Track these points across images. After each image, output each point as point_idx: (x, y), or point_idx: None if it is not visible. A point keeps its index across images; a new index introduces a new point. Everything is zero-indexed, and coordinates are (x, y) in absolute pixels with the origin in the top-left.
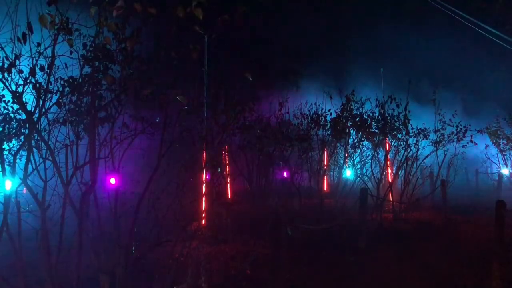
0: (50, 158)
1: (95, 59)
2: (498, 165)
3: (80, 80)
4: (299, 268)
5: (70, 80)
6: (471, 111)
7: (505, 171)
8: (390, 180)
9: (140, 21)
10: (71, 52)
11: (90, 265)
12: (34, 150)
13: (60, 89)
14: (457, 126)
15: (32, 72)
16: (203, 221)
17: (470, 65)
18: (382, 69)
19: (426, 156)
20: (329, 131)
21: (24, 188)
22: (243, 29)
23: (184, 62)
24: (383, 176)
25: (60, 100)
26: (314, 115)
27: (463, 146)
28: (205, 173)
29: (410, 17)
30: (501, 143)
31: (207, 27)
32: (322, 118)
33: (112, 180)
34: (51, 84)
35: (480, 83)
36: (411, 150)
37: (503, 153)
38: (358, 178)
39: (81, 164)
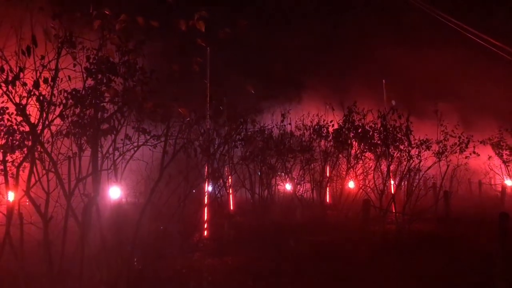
0: (53, 170)
1: (98, 72)
2: (501, 176)
3: (83, 93)
4: (302, 280)
5: (73, 92)
6: (473, 123)
7: (508, 182)
8: (392, 192)
9: (142, 34)
10: (74, 65)
11: (92, 277)
12: (37, 161)
13: (64, 101)
14: (459, 137)
15: (36, 85)
16: (205, 233)
17: (471, 77)
18: (384, 81)
19: (429, 167)
20: (331, 142)
21: (27, 200)
22: (245, 41)
23: (186, 74)
24: (385, 188)
25: (63, 113)
26: (316, 126)
27: (466, 157)
28: (207, 185)
29: (411, 29)
30: (504, 154)
31: (209, 39)
32: (324, 129)
33: (115, 192)
34: (54, 97)
35: (481, 94)
36: (413, 161)
37: (506, 164)
38: (361, 190)
39: (83, 176)
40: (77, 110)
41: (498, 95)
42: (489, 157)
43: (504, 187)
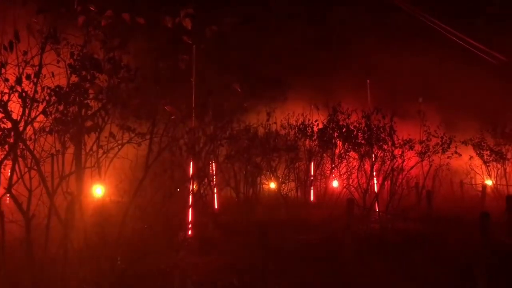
0: (35, 167)
1: (82, 68)
2: (482, 176)
3: (67, 89)
4: (287, 279)
5: (57, 89)
6: (455, 124)
7: (488, 182)
8: (376, 191)
9: (128, 31)
10: (58, 61)
11: (75, 276)
12: (20, 159)
13: (47, 98)
14: (441, 138)
15: (18, 81)
16: (190, 232)
17: (454, 78)
18: (368, 81)
19: (412, 167)
20: (316, 142)
21: (8, 197)
22: (230, 40)
23: (172, 72)
24: (369, 187)
25: (47, 110)
26: (301, 126)
27: (448, 157)
28: (192, 184)
29: (395, 31)
30: (484, 155)
31: (196, 37)
32: (309, 129)
33: (98, 190)
34: (37, 93)
35: (464, 96)
36: (396, 160)
37: (487, 164)
38: (345, 189)
39: (67, 174)
40: (61, 107)
41: (480, 97)
42: (470, 157)
43: (484, 187)
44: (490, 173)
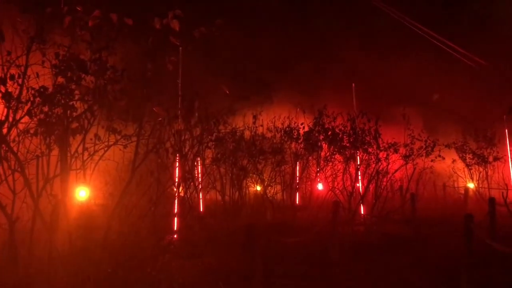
0: (19, 169)
1: (68, 69)
2: (464, 179)
3: (52, 90)
4: (273, 281)
5: (41, 90)
6: (438, 127)
7: (471, 185)
8: (361, 194)
9: (115, 32)
10: (43, 62)
11: (59, 280)
12: (4, 161)
13: (31, 99)
14: (425, 141)
15: (3, 81)
16: (176, 235)
17: (437, 82)
18: (353, 85)
19: (396, 170)
20: (302, 145)
21: None
22: (218, 43)
23: (160, 73)
24: (354, 190)
25: (31, 111)
26: (287, 129)
27: (431, 160)
28: (178, 187)
29: (380, 35)
30: (467, 158)
31: (183, 39)
32: (295, 132)
33: (83, 193)
34: (22, 94)
35: (447, 100)
36: (381, 163)
37: (469, 167)
38: (330, 191)
39: (52, 177)
40: (45, 109)
41: (462, 101)
42: (453, 161)
43: (467, 190)
44: (472, 176)
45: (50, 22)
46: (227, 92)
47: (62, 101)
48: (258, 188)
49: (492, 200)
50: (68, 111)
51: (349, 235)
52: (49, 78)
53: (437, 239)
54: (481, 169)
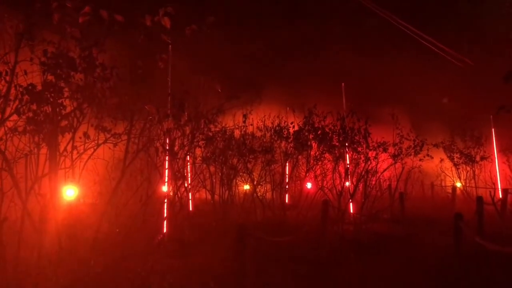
0: (6, 168)
1: (56, 66)
2: (452, 178)
3: (40, 88)
4: (264, 280)
5: (30, 87)
6: (427, 127)
7: (458, 184)
8: (350, 193)
9: (105, 29)
10: (31, 59)
11: (48, 280)
12: None
13: (19, 96)
14: (414, 140)
15: None
16: (165, 234)
17: (426, 82)
18: (343, 84)
19: (385, 169)
20: (292, 144)
21: None
22: (208, 42)
23: (150, 71)
24: (343, 189)
25: (19, 107)
26: (277, 128)
27: (420, 160)
28: (168, 185)
29: (369, 35)
30: (454, 157)
31: (174, 37)
32: (285, 131)
33: (72, 192)
34: (10, 92)
35: (435, 99)
36: (370, 163)
37: (457, 166)
38: (320, 190)
39: (40, 175)
40: (34, 107)
41: (451, 100)
42: (441, 160)
43: (454, 189)
44: (460, 175)
45: (39, 19)
46: (219, 90)
47: (51, 99)
48: (247, 187)
49: (480, 199)
50: (57, 109)
51: (339, 234)
52: (38, 76)
53: (426, 238)
54: (468, 168)
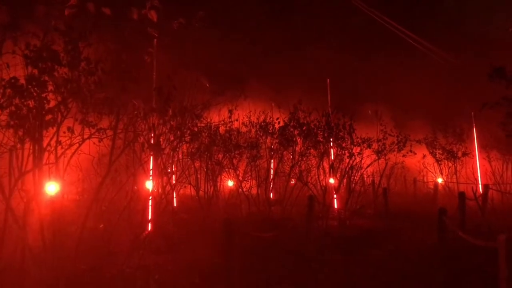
0: None
1: (39, 60)
2: (434, 174)
3: (23, 82)
4: (250, 276)
5: (12, 80)
6: (409, 123)
7: (440, 180)
8: (335, 188)
9: (92, 22)
10: (13, 51)
11: (32, 278)
12: None
13: (1, 90)
14: (397, 136)
15: None
16: (150, 230)
17: (410, 78)
18: (328, 80)
19: (369, 165)
20: (277, 139)
21: None
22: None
23: (136, 65)
24: (328, 184)
25: (1, 101)
26: (262, 124)
27: (403, 155)
28: (153, 182)
29: (354, 32)
30: (437, 153)
31: (161, 30)
32: (270, 126)
33: (57, 188)
34: None
35: (418, 96)
36: (355, 158)
37: (439, 162)
38: (304, 186)
39: (24, 171)
40: (16, 101)
41: (434, 97)
42: (424, 156)
43: (436, 184)
44: (442, 171)
45: (23, 10)
46: (207, 84)
47: (34, 93)
48: (231, 183)
49: (462, 195)
50: (41, 103)
51: (324, 229)
52: (22, 69)
53: (410, 232)
54: (450, 164)
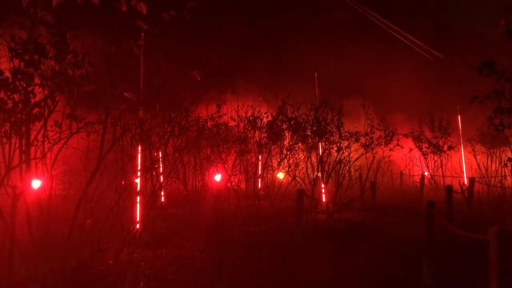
0: None
1: (25, 52)
2: (420, 167)
3: (8, 75)
4: (240, 269)
5: None
6: (396, 118)
7: (426, 173)
8: (323, 182)
9: (80, 13)
10: None
11: (20, 274)
12: None
13: None
14: (385, 130)
15: None
16: (139, 226)
17: (397, 73)
18: (316, 74)
19: (357, 159)
20: (266, 134)
21: None
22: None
23: (124, 58)
24: (316, 178)
25: None
26: (251, 118)
27: (390, 149)
28: (141, 177)
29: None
30: (423, 147)
31: (151, 22)
32: (258, 121)
33: (44, 183)
34: None
35: (405, 90)
36: (343, 152)
37: (425, 156)
38: (293, 180)
39: (12, 167)
40: (1, 94)
41: (420, 92)
42: (410, 150)
43: (422, 178)
44: (428, 164)
45: (7, 1)
46: (198, 78)
47: (20, 87)
48: (218, 177)
49: (449, 188)
50: (27, 97)
51: (312, 223)
52: (7, 62)
53: (397, 225)
54: (436, 158)
